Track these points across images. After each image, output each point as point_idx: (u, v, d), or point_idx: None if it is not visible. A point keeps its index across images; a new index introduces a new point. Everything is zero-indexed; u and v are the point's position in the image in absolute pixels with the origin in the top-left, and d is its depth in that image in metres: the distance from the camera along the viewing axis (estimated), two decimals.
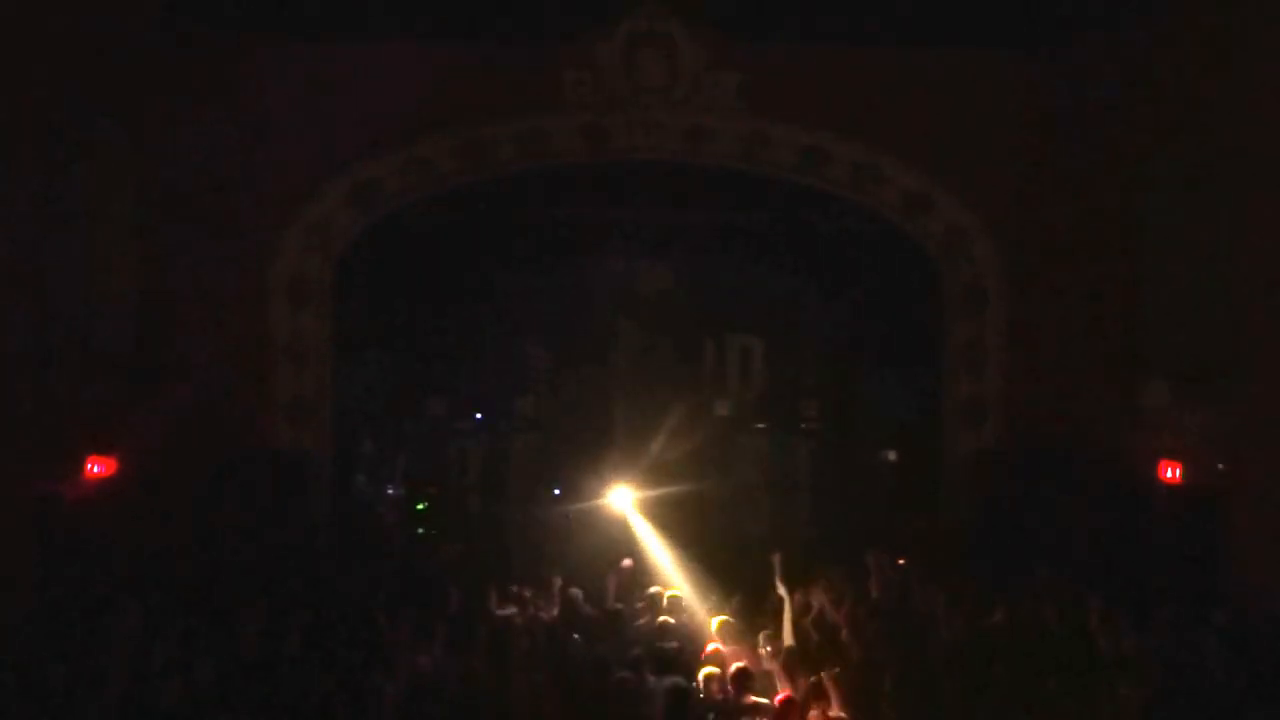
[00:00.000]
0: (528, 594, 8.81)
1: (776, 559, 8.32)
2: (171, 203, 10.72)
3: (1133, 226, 10.65)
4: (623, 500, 11.23)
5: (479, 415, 13.68)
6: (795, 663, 6.80)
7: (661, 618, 8.27)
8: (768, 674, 6.79)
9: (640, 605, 8.95)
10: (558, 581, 8.87)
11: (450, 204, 12.01)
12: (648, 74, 11.20)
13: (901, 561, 9.79)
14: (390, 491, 13.15)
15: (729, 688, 6.46)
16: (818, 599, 8.20)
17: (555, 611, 8.49)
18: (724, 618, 7.87)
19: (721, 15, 10.59)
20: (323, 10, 10.33)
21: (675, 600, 8.74)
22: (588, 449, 12.71)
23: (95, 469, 9.52)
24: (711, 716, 6.33)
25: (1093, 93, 10.86)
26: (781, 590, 7.99)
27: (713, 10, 10.58)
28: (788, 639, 7.65)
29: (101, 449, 9.59)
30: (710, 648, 7.27)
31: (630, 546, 10.45)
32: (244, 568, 9.37)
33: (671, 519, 11.78)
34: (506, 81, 11.10)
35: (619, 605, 8.76)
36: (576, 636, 7.85)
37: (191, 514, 10.19)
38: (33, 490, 8.80)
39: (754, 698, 6.36)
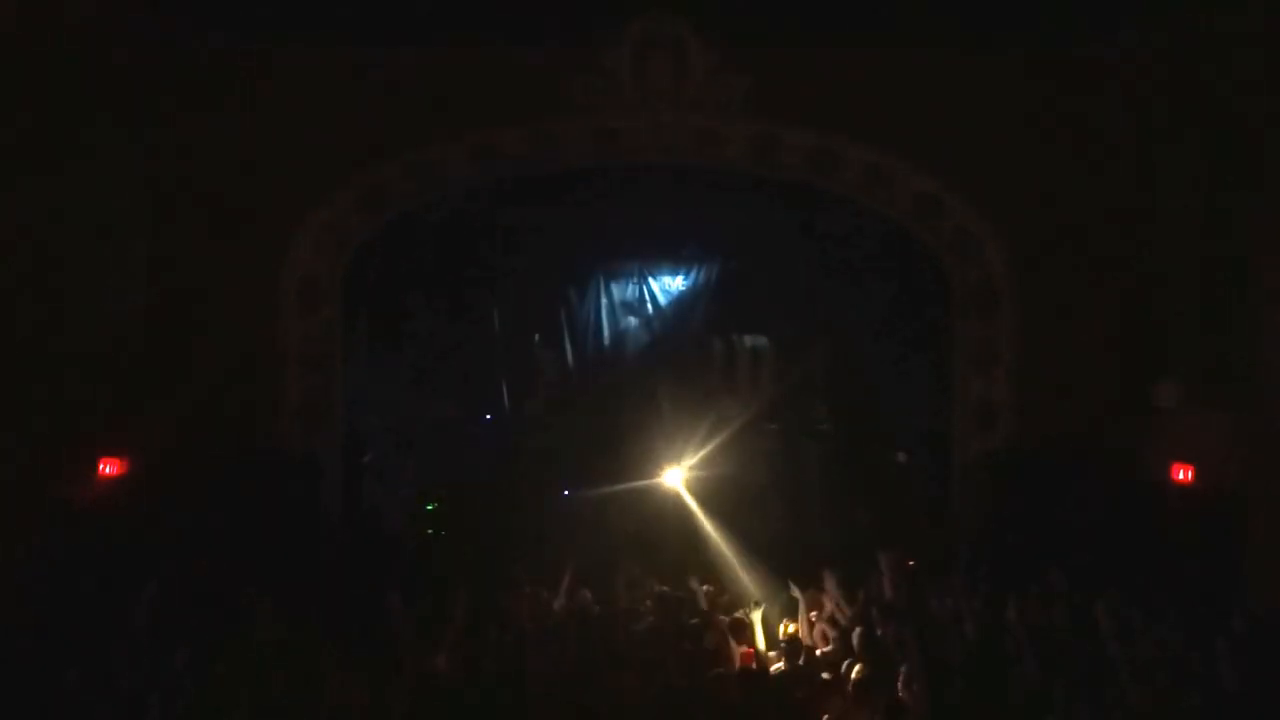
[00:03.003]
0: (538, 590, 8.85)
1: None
2: (181, 206, 10.78)
3: (1145, 227, 10.64)
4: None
5: (488, 417, 13.68)
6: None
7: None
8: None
9: (648, 605, 8.96)
10: (567, 579, 8.91)
11: (460, 206, 12.04)
12: (657, 77, 11.19)
13: (912, 563, 9.80)
14: (400, 493, 13.15)
15: None
16: (830, 598, 8.21)
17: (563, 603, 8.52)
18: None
19: (730, 18, 10.59)
20: (332, 14, 10.35)
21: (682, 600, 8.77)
22: (597, 451, 12.71)
23: (106, 470, 9.58)
24: None
25: (1103, 93, 10.84)
26: (795, 591, 8.02)
27: (722, 13, 10.58)
28: (804, 639, 7.69)
29: (112, 451, 9.65)
30: None
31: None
32: (255, 570, 9.37)
33: (679, 520, 11.84)
34: (516, 85, 11.11)
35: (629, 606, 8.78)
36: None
37: (202, 516, 10.21)
38: (44, 492, 8.85)
39: None
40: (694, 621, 8.17)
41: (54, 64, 9.01)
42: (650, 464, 12.29)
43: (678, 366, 13.40)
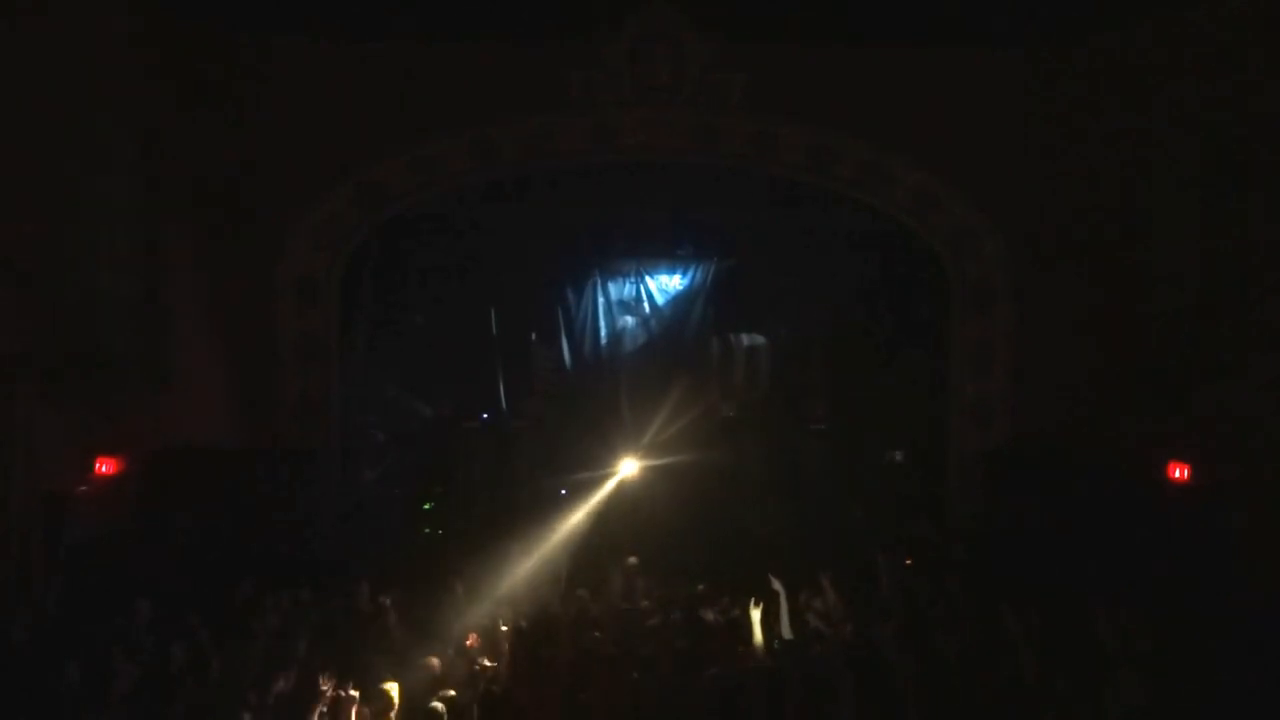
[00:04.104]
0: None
1: None
2: (179, 203, 10.75)
3: (1141, 224, 10.65)
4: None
5: (485, 415, 13.66)
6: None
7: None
8: None
9: (646, 604, 8.97)
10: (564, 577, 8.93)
11: (458, 203, 12.03)
12: (655, 73, 11.19)
13: (909, 561, 9.81)
14: (396, 491, 13.14)
15: None
16: (828, 595, 8.21)
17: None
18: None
19: (728, 15, 10.58)
20: (329, 10, 10.34)
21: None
22: (593, 449, 12.71)
23: (103, 468, 9.56)
24: None
25: (1100, 91, 10.85)
26: (777, 585, 8.03)
27: (719, 10, 10.57)
28: (785, 632, 7.69)
29: (109, 448, 9.63)
30: None
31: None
32: (252, 566, 9.38)
33: (677, 519, 11.85)
34: (514, 81, 11.11)
35: (627, 605, 8.80)
36: (597, 634, 7.85)
37: (200, 514, 10.21)
38: (41, 490, 8.82)
39: None
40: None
41: (53, 63, 8.97)
42: (645, 457, 12.32)
43: (675, 365, 13.38)
